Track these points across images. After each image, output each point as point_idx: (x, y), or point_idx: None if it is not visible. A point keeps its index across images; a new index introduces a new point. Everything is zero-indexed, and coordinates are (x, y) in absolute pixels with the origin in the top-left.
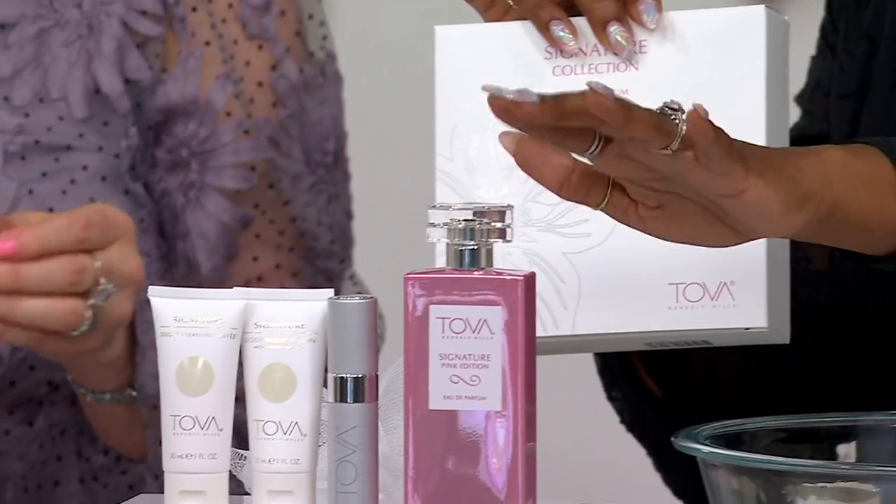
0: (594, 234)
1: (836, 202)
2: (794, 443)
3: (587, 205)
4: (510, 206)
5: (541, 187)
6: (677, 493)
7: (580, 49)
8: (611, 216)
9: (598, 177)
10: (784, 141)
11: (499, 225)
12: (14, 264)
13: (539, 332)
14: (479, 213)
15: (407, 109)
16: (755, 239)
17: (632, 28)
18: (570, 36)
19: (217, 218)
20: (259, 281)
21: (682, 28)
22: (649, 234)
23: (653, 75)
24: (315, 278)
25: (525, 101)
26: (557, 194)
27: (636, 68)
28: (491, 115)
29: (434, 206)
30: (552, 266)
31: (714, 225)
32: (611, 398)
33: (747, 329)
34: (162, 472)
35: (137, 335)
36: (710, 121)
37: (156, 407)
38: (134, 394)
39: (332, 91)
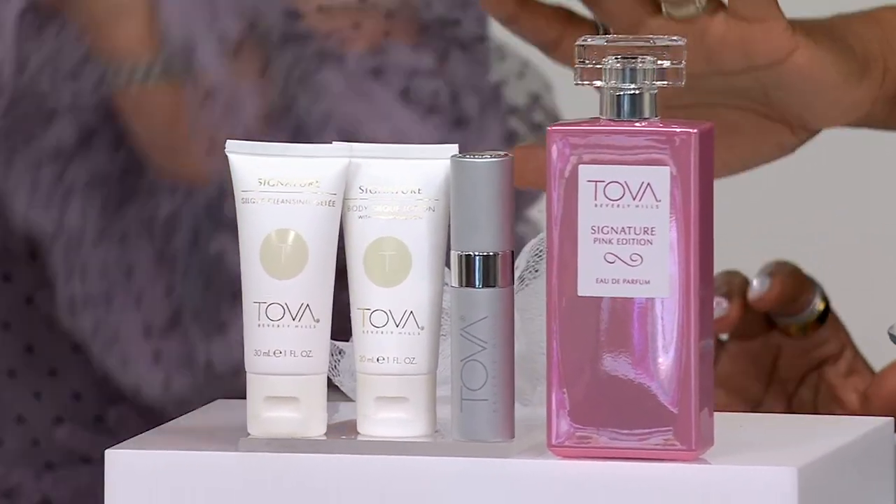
0: None
1: None
2: None
3: None
4: (683, 40)
5: None
6: None
7: None
8: None
9: None
10: None
11: (667, 64)
12: None
13: None
14: (643, 49)
15: None
16: (817, 132)
17: None
18: None
19: None
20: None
21: None
22: None
23: None
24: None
25: None
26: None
27: None
28: None
29: (584, 39)
30: None
31: (765, 130)
32: None
33: None
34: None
35: None
36: None
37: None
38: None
39: None
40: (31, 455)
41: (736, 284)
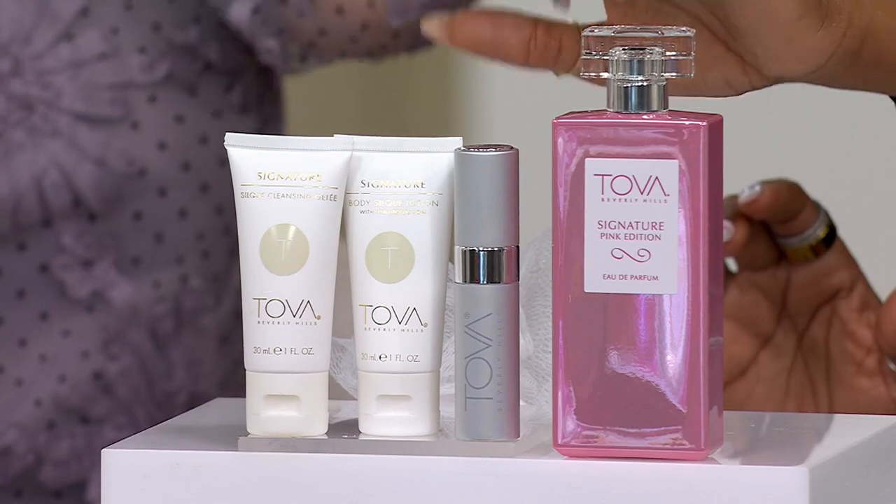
0: None
1: (869, 27)
2: None
3: (558, 68)
4: (692, 31)
5: None
6: None
7: None
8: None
9: (567, 30)
10: None
11: (674, 55)
12: None
13: None
14: (651, 40)
15: None
16: (771, 77)
17: None
18: None
19: None
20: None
21: None
22: None
23: None
24: None
25: None
26: (524, 65)
27: None
28: None
29: (591, 29)
30: None
31: (715, 56)
32: None
33: None
34: None
35: None
36: None
37: None
38: None
39: None
40: None
41: (739, 206)
